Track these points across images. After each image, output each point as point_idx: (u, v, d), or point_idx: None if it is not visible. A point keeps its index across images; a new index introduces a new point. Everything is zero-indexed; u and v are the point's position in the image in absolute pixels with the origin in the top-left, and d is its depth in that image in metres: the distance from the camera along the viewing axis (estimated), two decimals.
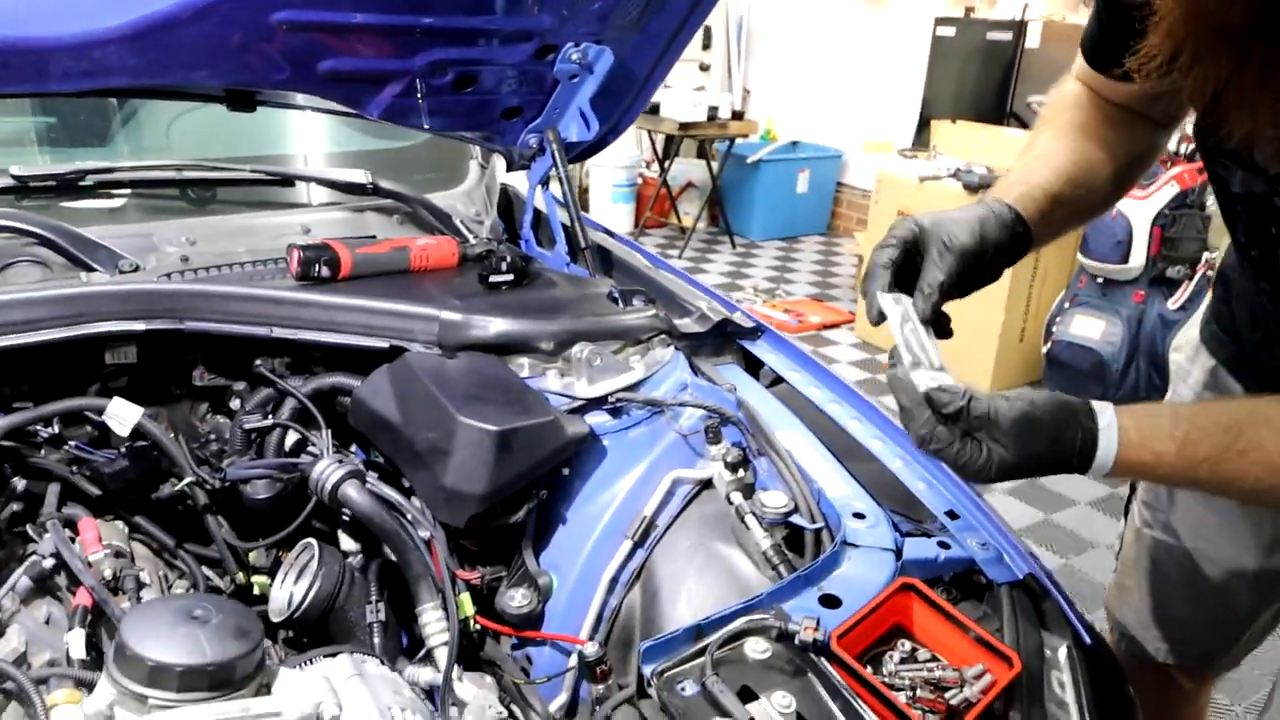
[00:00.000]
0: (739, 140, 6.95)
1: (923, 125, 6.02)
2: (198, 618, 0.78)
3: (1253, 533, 1.36)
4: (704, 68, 8.04)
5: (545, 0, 1.43)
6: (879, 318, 1.00)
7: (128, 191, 1.70)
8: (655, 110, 6.60)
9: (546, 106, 1.69)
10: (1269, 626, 1.48)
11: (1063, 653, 1.01)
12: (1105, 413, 0.93)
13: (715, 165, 7.01)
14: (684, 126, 6.49)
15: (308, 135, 2.12)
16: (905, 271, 1.03)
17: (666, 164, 7.08)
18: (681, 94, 6.52)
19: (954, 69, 6.01)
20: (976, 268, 1.04)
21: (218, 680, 0.75)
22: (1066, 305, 4.22)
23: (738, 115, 6.93)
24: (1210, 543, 1.40)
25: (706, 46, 8.00)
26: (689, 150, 7.46)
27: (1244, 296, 1.24)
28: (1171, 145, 3.61)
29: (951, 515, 1.18)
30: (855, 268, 6.15)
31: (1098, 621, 1.44)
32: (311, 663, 0.94)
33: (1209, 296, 1.38)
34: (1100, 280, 4.09)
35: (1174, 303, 3.93)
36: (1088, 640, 1.04)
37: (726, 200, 7.17)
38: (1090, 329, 4.08)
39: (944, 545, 1.11)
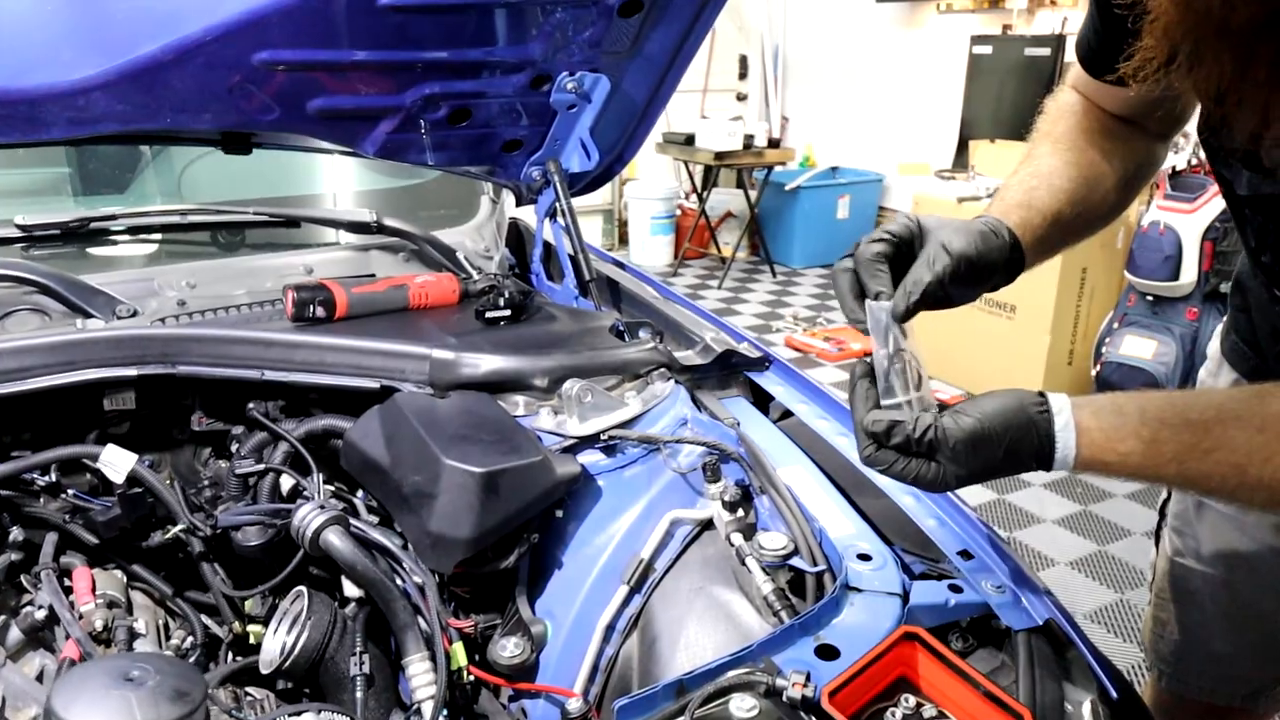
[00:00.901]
0: (778, 168, 6.91)
1: (962, 146, 5.92)
2: (133, 679, 0.74)
3: None
4: (741, 97, 8.04)
5: (533, 30, 1.40)
6: (856, 319, 0.96)
7: (130, 238, 1.70)
8: (690, 141, 6.60)
9: (546, 138, 1.66)
10: None
11: (1086, 708, 0.93)
12: (1063, 413, 0.91)
13: (754, 194, 6.97)
14: (719, 156, 6.46)
15: (321, 176, 2.13)
16: (893, 269, 0.98)
17: (705, 194, 7.05)
18: (717, 124, 6.50)
19: (992, 88, 5.90)
20: (966, 281, 0.98)
21: None
22: (1116, 325, 4.08)
23: (774, 143, 6.89)
24: (1245, 569, 1.32)
25: (743, 76, 8.00)
26: (727, 180, 7.42)
27: (1261, 307, 1.18)
28: None
29: (965, 555, 1.10)
30: None
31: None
32: None
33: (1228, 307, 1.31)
34: (1150, 298, 3.94)
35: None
36: (1114, 693, 0.95)
37: (766, 229, 7.12)
38: (1142, 349, 3.93)
39: (955, 589, 1.03)
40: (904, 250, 0.98)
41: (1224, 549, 1.34)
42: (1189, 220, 3.73)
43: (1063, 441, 0.90)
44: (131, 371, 1.33)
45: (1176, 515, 1.41)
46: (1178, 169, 3.90)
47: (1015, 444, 0.90)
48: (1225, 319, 1.32)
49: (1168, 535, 1.43)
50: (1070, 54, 5.64)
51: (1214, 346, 1.34)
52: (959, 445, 0.89)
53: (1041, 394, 0.93)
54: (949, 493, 1.15)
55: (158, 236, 1.73)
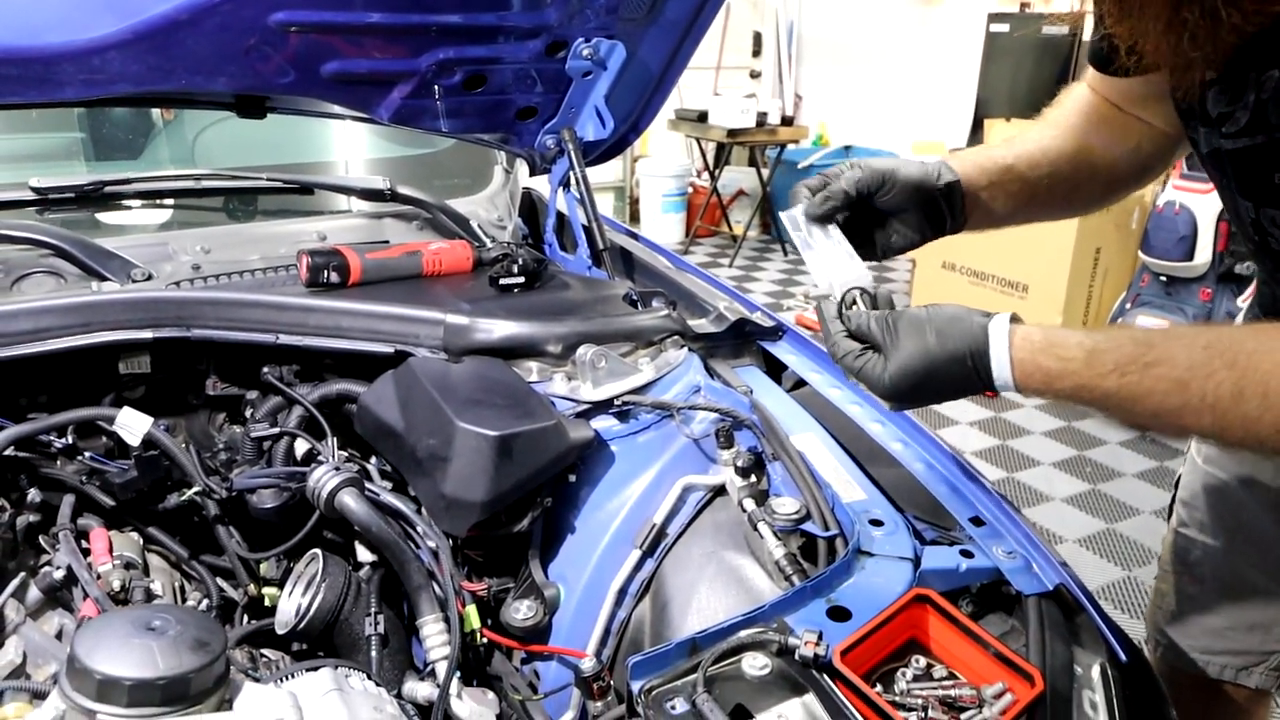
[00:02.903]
0: (790, 146, 6.87)
1: (977, 125, 5.87)
2: (155, 629, 0.75)
3: None
4: (754, 75, 7.98)
5: None
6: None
7: (144, 203, 1.71)
8: (703, 118, 6.56)
9: (561, 106, 1.65)
10: None
11: (1095, 671, 0.93)
12: (1000, 314, 0.96)
13: (766, 172, 6.93)
14: (732, 133, 6.43)
15: (334, 144, 2.13)
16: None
17: (717, 172, 7.02)
18: (731, 101, 6.46)
19: (1008, 66, 5.85)
20: (898, 208, 1.12)
21: (170, 695, 0.72)
22: (1129, 306, 4.06)
23: (787, 121, 6.85)
24: (1244, 539, 1.33)
25: (757, 54, 7.94)
26: (740, 158, 7.39)
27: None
28: None
29: (976, 522, 1.10)
30: (910, 272, 6.00)
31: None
32: (291, 677, 0.90)
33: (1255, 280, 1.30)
34: (1164, 279, 3.92)
35: (1244, 299, 3.74)
36: (1124, 657, 0.95)
37: (778, 207, 7.08)
38: None
39: (967, 554, 1.04)
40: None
41: (1226, 519, 1.34)
42: (1205, 200, 3.70)
43: (997, 328, 0.94)
44: (147, 334, 1.34)
45: (1185, 487, 1.42)
46: None
47: (948, 332, 0.95)
48: (1251, 292, 1.33)
49: (1177, 508, 1.43)
50: (1089, 32, 5.61)
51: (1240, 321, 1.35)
52: (904, 325, 0.96)
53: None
54: (954, 457, 1.16)
55: (171, 202, 1.73)
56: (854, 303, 1.06)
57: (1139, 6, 0.87)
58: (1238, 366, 0.85)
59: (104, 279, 1.43)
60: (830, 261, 1.08)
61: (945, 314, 0.97)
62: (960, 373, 0.95)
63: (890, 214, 1.16)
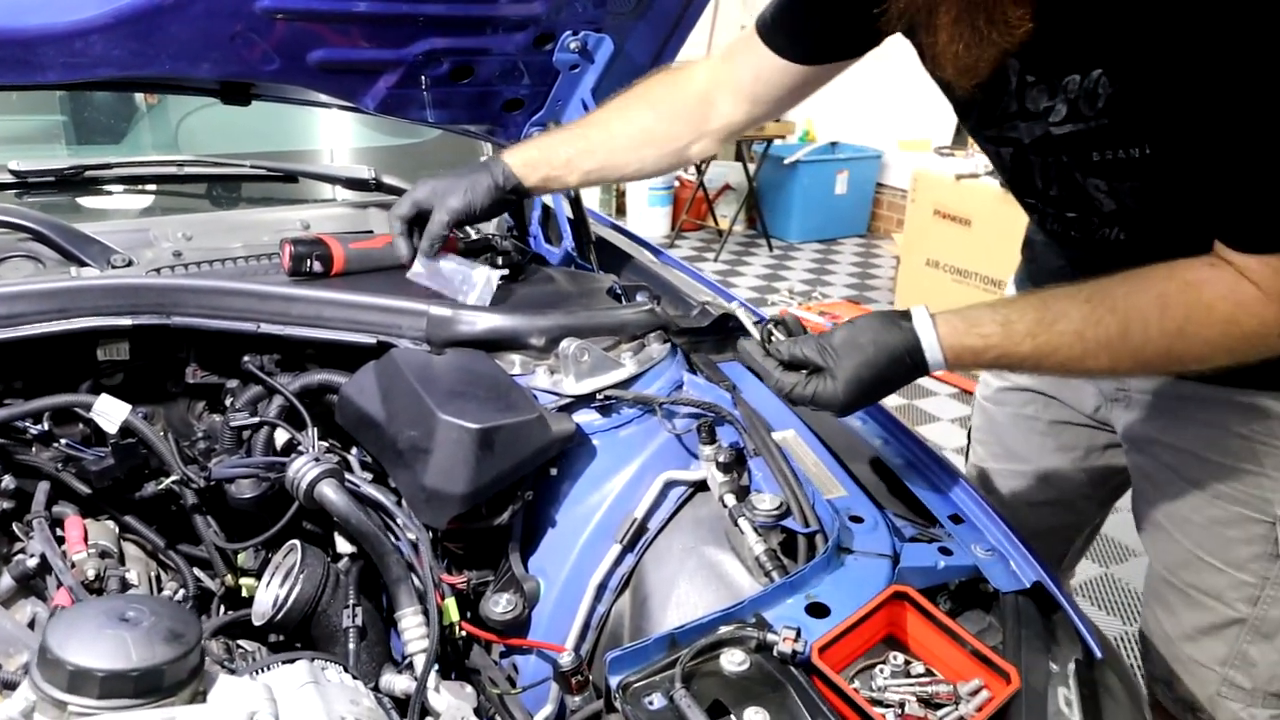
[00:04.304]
0: (777, 141, 6.87)
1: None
2: (128, 620, 0.74)
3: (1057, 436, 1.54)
4: None
5: None
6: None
7: (126, 188, 1.69)
8: None
9: (548, 98, 1.64)
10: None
11: (1070, 667, 0.94)
12: (919, 310, 1.09)
13: (752, 167, 6.93)
14: None
15: (319, 132, 2.11)
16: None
17: (703, 166, 7.01)
18: None
19: None
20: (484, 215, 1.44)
21: (144, 687, 0.71)
22: None
23: None
24: (1020, 458, 1.59)
25: None
26: (726, 153, 7.38)
27: (1043, 255, 1.41)
28: None
29: (956, 519, 1.11)
30: (894, 269, 6.03)
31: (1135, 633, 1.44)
32: (267, 669, 0.90)
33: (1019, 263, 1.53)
34: None
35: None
36: (1099, 654, 0.96)
37: (764, 202, 7.09)
38: None
39: (946, 551, 1.04)
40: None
41: (1007, 446, 1.61)
42: None
43: (923, 325, 1.07)
44: (126, 321, 1.32)
45: (976, 428, 1.70)
46: None
47: (883, 341, 1.07)
48: (1016, 272, 1.54)
49: (973, 445, 1.71)
50: None
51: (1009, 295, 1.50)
52: (836, 345, 1.08)
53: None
54: (936, 458, 1.18)
55: (153, 187, 1.71)
56: (771, 335, 1.16)
57: (935, 24, 1.01)
58: (1118, 310, 1.03)
59: (83, 264, 1.41)
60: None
61: (873, 324, 1.09)
62: (900, 370, 1.08)
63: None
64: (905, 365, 1.07)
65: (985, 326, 1.07)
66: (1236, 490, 1.26)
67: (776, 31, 1.36)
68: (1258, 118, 0.93)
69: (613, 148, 1.45)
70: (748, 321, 1.24)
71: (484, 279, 1.37)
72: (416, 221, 1.43)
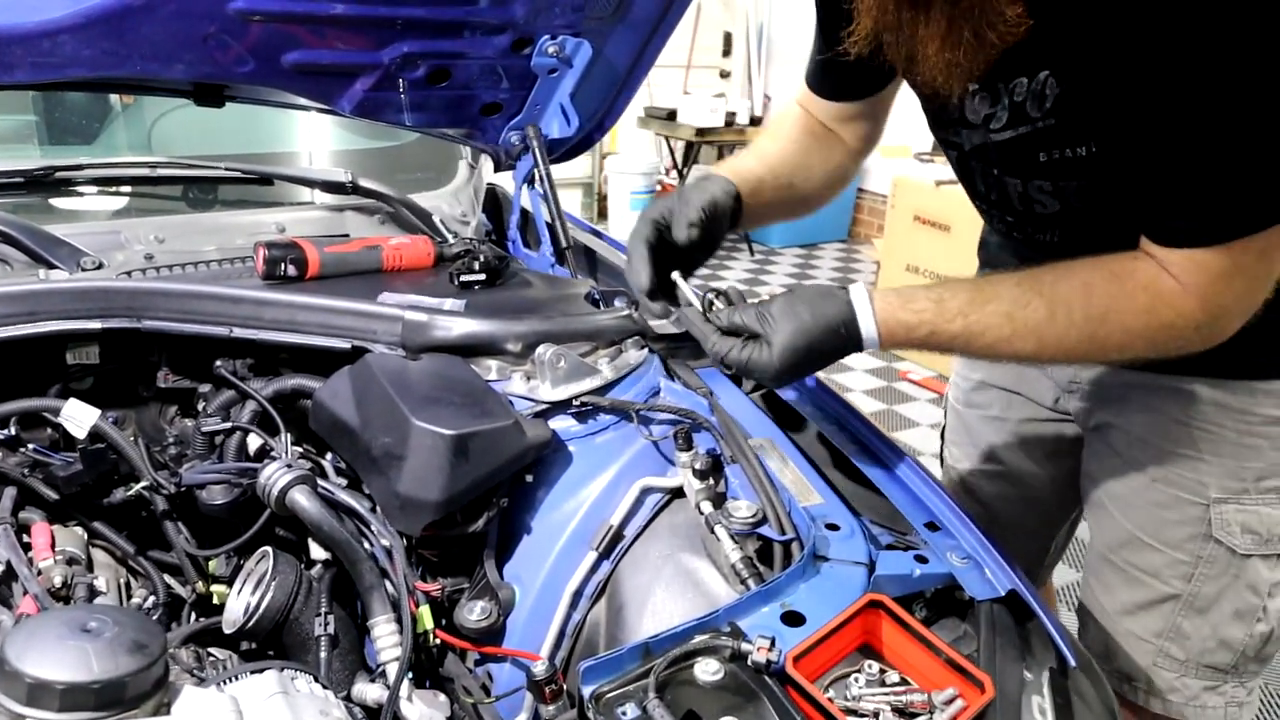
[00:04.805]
0: None
1: None
2: (90, 630, 0.73)
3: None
4: (724, 74, 7.99)
5: None
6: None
7: (98, 189, 1.67)
8: (673, 116, 6.56)
9: (527, 103, 1.64)
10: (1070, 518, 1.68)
11: (1045, 676, 0.94)
12: (855, 285, 1.12)
13: None
14: (701, 132, 6.44)
15: (296, 134, 2.09)
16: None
17: (685, 170, 7.02)
18: (700, 100, 6.47)
19: None
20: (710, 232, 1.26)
21: (105, 699, 0.70)
22: None
23: (756, 121, 6.87)
24: (992, 459, 1.63)
25: (727, 53, 7.95)
26: (708, 157, 7.40)
27: (996, 258, 1.48)
28: None
29: (932, 527, 1.11)
30: (875, 274, 6.05)
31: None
32: (236, 678, 0.88)
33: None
34: None
35: None
36: (1073, 662, 0.97)
37: None
38: None
39: (921, 559, 1.04)
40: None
41: (981, 448, 1.65)
42: None
43: (859, 298, 1.10)
44: (95, 324, 1.30)
45: (950, 429, 1.74)
46: None
47: (820, 310, 1.09)
48: (975, 273, 1.57)
49: (946, 448, 1.75)
50: None
51: None
52: (778, 311, 1.10)
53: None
54: (909, 462, 1.18)
55: (126, 189, 1.69)
56: (712, 304, 1.18)
57: (921, 35, 1.03)
58: (1045, 294, 1.07)
59: (52, 267, 1.40)
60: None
61: (811, 292, 1.12)
62: (835, 342, 1.10)
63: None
64: (840, 337, 1.10)
65: (919, 303, 1.10)
66: (1174, 474, 1.30)
67: (820, 85, 1.44)
68: (1189, 115, 0.97)
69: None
70: (689, 291, 1.22)
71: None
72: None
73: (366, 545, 1.18)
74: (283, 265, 1.43)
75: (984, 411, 1.64)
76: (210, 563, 1.32)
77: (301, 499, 1.14)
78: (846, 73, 1.31)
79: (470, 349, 1.32)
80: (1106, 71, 1.02)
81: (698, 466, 1.17)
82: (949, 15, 0.99)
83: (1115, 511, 1.38)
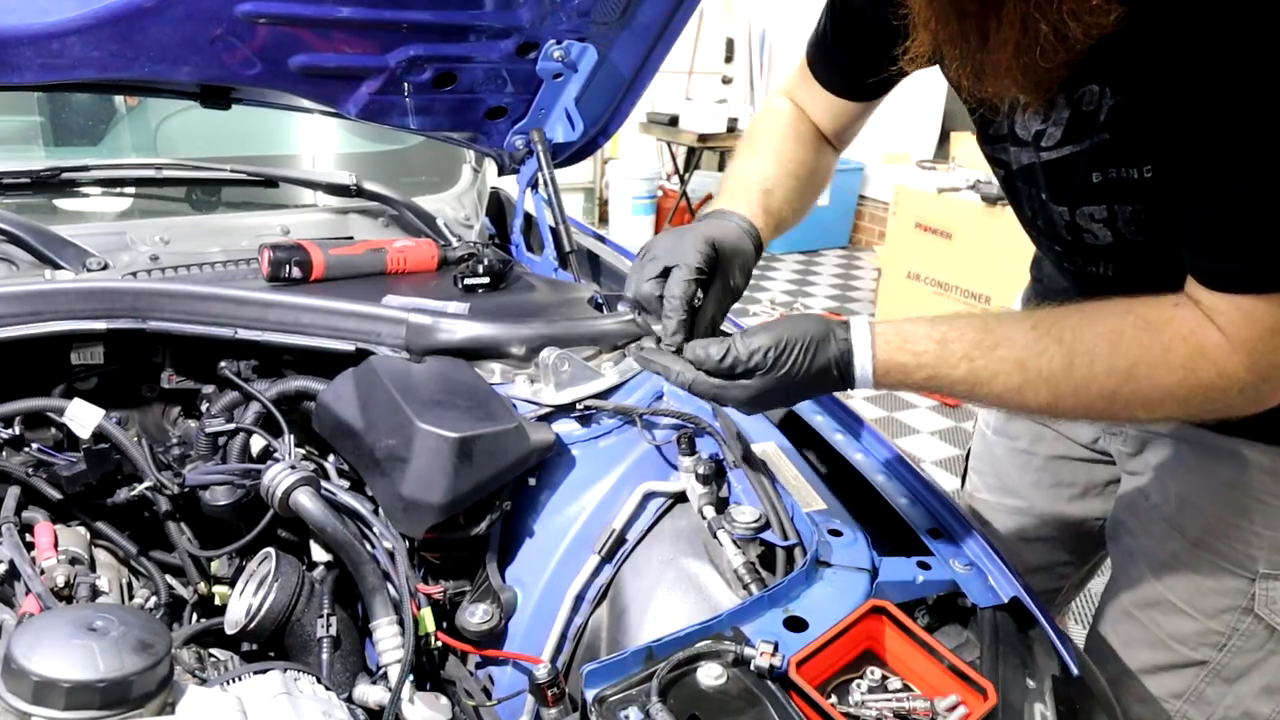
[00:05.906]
0: None
1: (944, 137, 5.94)
2: (96, 629, 0.73)
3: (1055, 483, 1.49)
4: (726, 80, 7.99)
5: None
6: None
7: (103, 190, 1.67)
8: (674, 122, 6.56)
9: (531, 107, 1.64)
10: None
11: (1047, 684, 0.94)
12: (858, 320, 1.00)
13: None
14: (703, 138, 6.44)
15: (301, 137, 2.10)
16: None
17: (687, 176, 7.02)
18: (702, 106, 6.48)
19: None
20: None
21: (111, 698, 0.70)
22: None
23: None
24: (1015, 493, 1.54)
25: (729, 60, 7.96)
26: (710, 163, 7.40)
27: (1050, 275, 1.35)
28: None
29: (935, 533, 1.11)
30: (875, 281, 6.06)
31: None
32: (239, 679, 0.88)
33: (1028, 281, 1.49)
34: None
35: None
36: (1075, 670, 0.97)
37: None
38: None
39: (924, 566, 1.04)
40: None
41: (1004, 481, 1.56)
42: None
43: (860, 340, 0.98)
44: (100, 325, 1.31)
45: (976, 456, 1.63)
46: None
47: (815, 350, 0.97)
48: (1024, 290, 1.50)
49: (970, 475, 1.65)
50: None
51: None
52: (764, 354, 0.96)
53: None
54: (920, 475, 1.18)
55: (131, 190, 1.70)
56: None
57: (992, 43, 0.92)
58: (1064, 342, 0.94)
59: (58, 267, 1.40)
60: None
61: (811, 335, 0.98)
62: (825, 381, 0.99)
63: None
64: (831, 376, 0.99)
65: (919, 343, 0.98)
66: (1219, 543, 1.20)
67: (828, 79, 1.35)
68: (1251, 140, 0.86)
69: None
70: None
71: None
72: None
73: (369, 547, 1.18)
74: (287, 267, 1.43)
75: (1013, 443, 1.53)
76: (212, 564, 1.32)
77: (305, 500, 1.15)
78: (855, 73, 1.26)
79: (474, 352, 1.33)
80: (1166, 83, 0.91)
81: (701, 471, 1.17)
82: (1023, 12, 0.87)
83: (1147, 569, 1.29)
